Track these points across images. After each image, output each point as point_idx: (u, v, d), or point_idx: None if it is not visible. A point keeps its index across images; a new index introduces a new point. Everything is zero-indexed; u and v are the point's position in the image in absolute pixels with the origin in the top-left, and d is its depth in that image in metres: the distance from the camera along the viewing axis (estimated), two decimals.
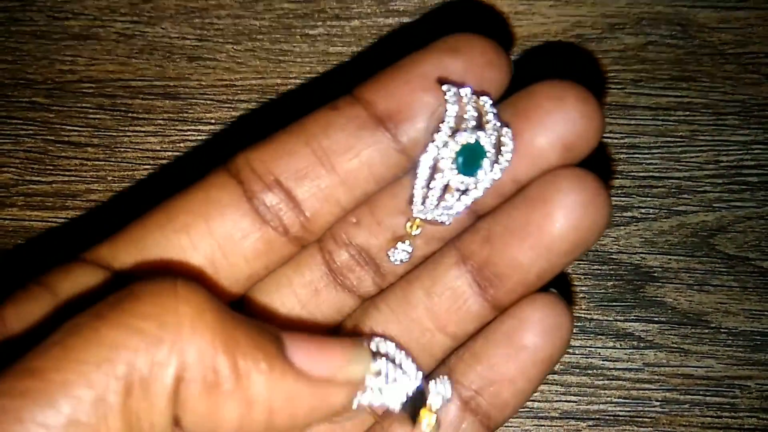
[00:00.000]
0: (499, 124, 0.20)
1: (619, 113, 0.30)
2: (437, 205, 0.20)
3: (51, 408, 0.14)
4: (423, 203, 0.20)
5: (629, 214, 0.30)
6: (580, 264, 0.30)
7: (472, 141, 0.20)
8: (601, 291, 0.30)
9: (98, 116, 0.30)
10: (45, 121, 0.30)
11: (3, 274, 0.29)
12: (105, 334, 0.15)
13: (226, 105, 0.30)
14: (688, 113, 0.30)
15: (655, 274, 0.30)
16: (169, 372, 0.15)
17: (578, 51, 0.31)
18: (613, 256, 0.30)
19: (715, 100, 0.30)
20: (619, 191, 0.30)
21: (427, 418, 0.20)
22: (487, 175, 0.20)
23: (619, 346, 0.30)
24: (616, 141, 0.30)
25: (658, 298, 0.30)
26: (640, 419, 0.30)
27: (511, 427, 0.30)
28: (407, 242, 0.21)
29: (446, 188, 0.20)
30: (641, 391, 0.30)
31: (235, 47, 0.30)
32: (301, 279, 0.22)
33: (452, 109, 0.20)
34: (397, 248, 0.21)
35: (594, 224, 0.20)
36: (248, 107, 0.30)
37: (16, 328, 0.18)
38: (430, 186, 0.20)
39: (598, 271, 0.30)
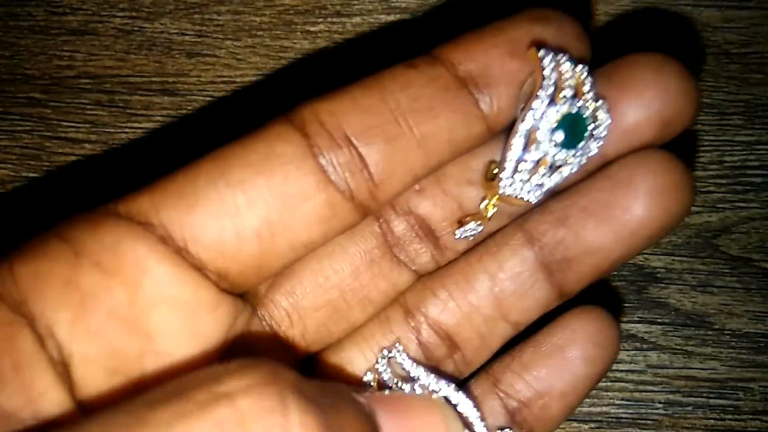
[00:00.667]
0: (595, 95, 0.18)
1: None
2: (527, 180, 0.19)
3: None
4: (513, 176, 0.19)
5: None
6: None
7: (574, 111, 0.18)
8: (604, 292, 0.30)
9: (96, 112, 0.30)
10: (42, 117, 0.30)
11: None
12: None
13: (226, 102, 0.30)
14: None
15: (659, 275, 0.30)
16: None
17: None
18: None
19: (719, 100, 0.30)
20: None
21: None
22: (585, 150, 0.18)
23: (621, 348, 0.29)
24: None
25: (662, 300, 0.30)
26: (643, 421, 0.29)
27: None
28: (479, 222, 0.19)
29: (539, 162, 0.18)
30: (644, 393, 0.29)
31: (234, 43, 0.30)
32: (356, 247, 0.20)
33: (551, 76, 0.18)
34: (465, 227, 0.20)
35: (680, 209, 0.19)
36: (248, 104, 0.30)
37: (30, 292, 0.16)
38: (524, 158, 0.18)
39: None
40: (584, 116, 0.18)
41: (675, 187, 0.19)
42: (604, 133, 0.18)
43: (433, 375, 0.19)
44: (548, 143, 0.18)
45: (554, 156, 0.18)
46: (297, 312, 0.20)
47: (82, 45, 0.30)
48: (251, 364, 0.14)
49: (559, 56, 0.18)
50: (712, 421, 0.29)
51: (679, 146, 0.30)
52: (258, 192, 0.17)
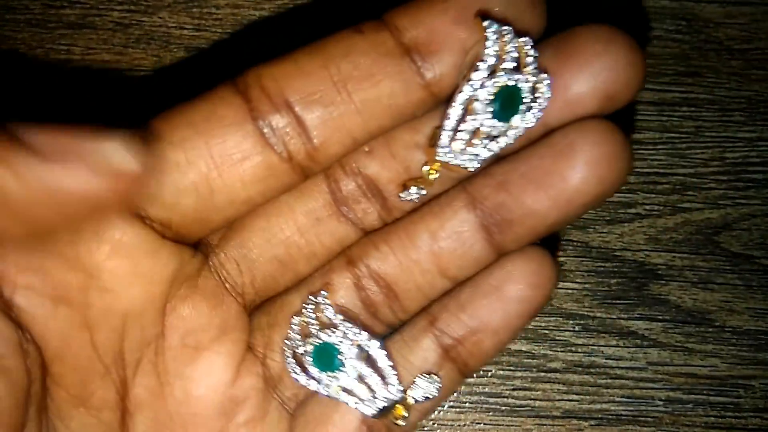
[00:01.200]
0: (537, 68, 0.18)
1: (623, 108, 0.30)
2: (464, 149, 0.19)
3: None
4: (450, 144, 0.19)
5: (633, 210, 0.30)
6: (583, 261, 0.30)
7: (511, 84, 0.18)
8: (605, 289, 0.30)
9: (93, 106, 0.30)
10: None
11: None
12: None
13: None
14: (693, 109, 0.30)
15: (659, 272, 0.30)
16: None
17: None
18: (617, 254, 0.30)
19: (720, 96, 0.30)
20: (623, 187, 0.30)
21: (402, 413, 0.21)
22: (522, 122, 0.19)
23: (622, 345, 0.29)
24: None
25: (662, 296, 0.30)
26: (643, 419, 0.29)
27: (512, 426, 0.29)
28: (421, 187, 0.20)
29: (476, 132, 0.19)
30: (644, 391, 0.29)
31: (233, 38, 0.30)
32: (303, 206, 0.21)
33: (492, 47, 0.18)
34: (410, 189, 0.20)
35: (616, 178, 0.19)
36: None
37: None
38: (460, 128, 0.19)
39: (602, 269, 0.30)
40: (522, 90, 0.18)
41: (612, 157, 0.19)
42: (543, 105, 0.19)
43: (351, 325, 0.20)
44: (485, 114, 0.18)
45: (491, 126, 0.19)
46: (246, 264, 0.21)
47: (80, 39, 0.30)
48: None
49: (504, 28, 0.18)
50: (712, 418, 0.29)
51: (682, 142, 0.30)
52: (197, 152, 0.18)
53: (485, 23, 0.18)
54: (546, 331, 0.29)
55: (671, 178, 0.30)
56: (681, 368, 0.29)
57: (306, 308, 0.21)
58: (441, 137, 0.19)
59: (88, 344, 0.19)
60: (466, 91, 0.18)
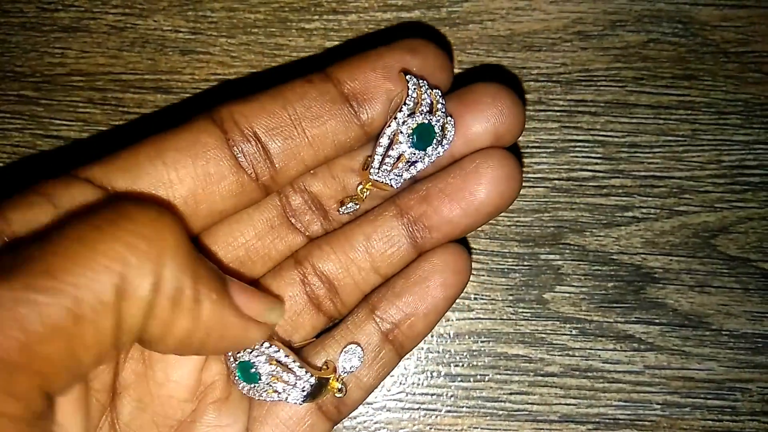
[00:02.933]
0: (445, 112, 0.24)
1: (620, 111, 0.30)
2: (390, 170, 0.24)
3: (58, 304, 0.17)
4: (379, 167, 0.24)
5: (630, 214, 0.30)
6: (580, 265, 0.30)
7: (426, 122, 0.24)
8: (602, 292, 0.29)
9: (88, 110, 0.29)
10: (33, 114, 0.29)
11: None
12: (108, 246, 0.18)
13: (220, 100, 0.29)
14: (689, 112, 0.30)
15: (656, 275, 0.30)
16: (149, 283, 0.19)
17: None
18: (614, 257, 0.30)
19: (717, 99, 0.30)
20: (620, 191, 0.30)
21: (336, 385, 0.25)
22: (434, 151, 0.24)
23: (619, 349, 0.29)
24: (617, 140, 0.30)
25: (659, 300, 0.30)
26: (641, 422, 0.29)
27: (509, 430, 0.29)
28: (356, 201, 0.25)
29: (399, 158, 0.24)
30: (642, 394, 0.29)
31: (229, 41, 0.30)
32: (260, 216, 0.25)
33: (412, 95, 0.23)
34: (347, 204, 0.25)
35: (512, 194, 0.25)
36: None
37: (20, 232, 0.20)
38: (387, 154, 0.24)
39: (599, 272, 0.30)
40: (434, 127, 0.24)
41: (509, 176, 0.24)
42: (450, 139, 0.24)
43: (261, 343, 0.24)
44: (406, 144, 0.24)
45: (410, 154, 0.24)
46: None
47: (74, 42, 0.30)
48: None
49: (421, 81, 0.24)
50: (709, 422, 0.29)
51: (678, 145, 0.30)
52: (186, 171, 0.22)
53: (407, 77, 0.23)
54: (543, 335, 0.29)
55: (668, 182, 0.30)
56: (678, 372, 0.29)
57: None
58: (373, 161, 0.24)
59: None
60: (392, 126, 0.24)
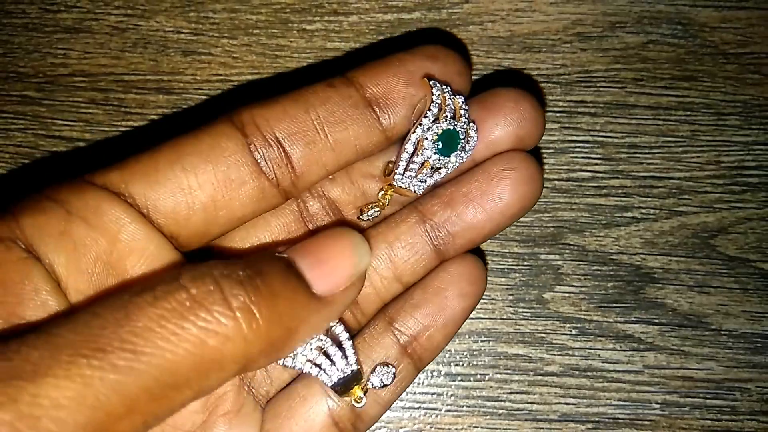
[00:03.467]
0: (468, 117, 0.24)
1: (620, 112, 0.30)
2: (415, 176, 0.24)
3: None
4: (403, 173, 0.24)
5: (630, 214, 0.30)
6: (580, 265, 0.30)
7: (451, 128, 0.24)
8: (601, 292, 0.30)
9: (90, 111, 0.30)
10: (36, 115, 0.30)
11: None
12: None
13: (222, 100, 0.30)
14: (689, 113, 0.30)
15: (656, 276, 0.30)
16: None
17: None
18: (614, 257, 0.30)
19: (716, 100, 0.30)
20: (620, 191, 0.30)
21: (359, 393, 0.24)
22: (458, 158, 0.24)
23: (618, 348, 0.30)
24: (616, 140, 0.30)
25: (659, 300, 0.30)
26: (640, 422, 0.29)
27: (509, 429, 0.29)
28: (378, 207, 0.25)
29: (423, 164, 0.24)
30: (641, 394, 0.29)
31: (230, 42, 0.30)
32: (277, 221, 0.25)
33: (437, 101, 0.23)
34: (368, 211, 0.25)
35: (534, 196, 0.25)
36: (244, 103, 0.30)
37: (34, 238, 0.20)
38: (412, 160, 0.24)
39: (598, 272, 0.30)
40: (458, 133, 0.24)
41: (531, 179, 0.24)
42: (474, 145, 0.24)
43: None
44: (431, 150, 0.24)
45: (435, 160, 0.24)
46: None
47: (77, 43, 0.30)
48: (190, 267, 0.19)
49: (444, 87, 0.24)
50: (709, 421, 0.29)
51: (678, 146, 0.30)
52: (206, 177, 0.22)
53: (431, 83, 0.23)
54: (543, 335, 0.30)
55: (667, 182, 0.30)
56: (677, 371, 0.29)
57: None
58: (397, 167, 0.24)
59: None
60: (417, 133, 0.24)
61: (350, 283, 0.21)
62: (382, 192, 0.25)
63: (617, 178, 0.30)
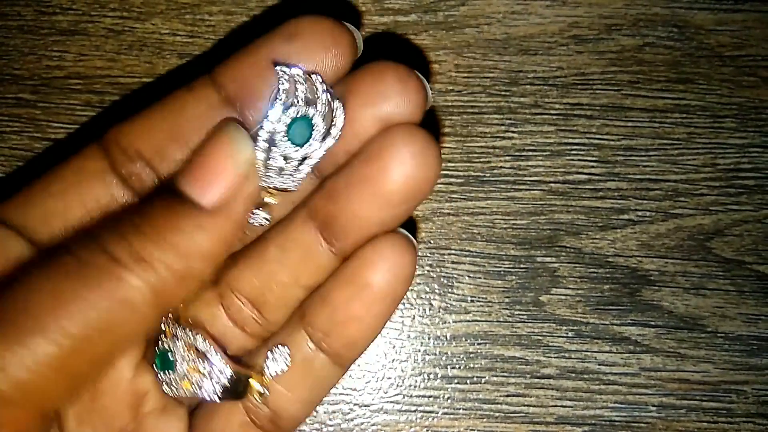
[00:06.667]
0: (329, 98, 0.21)
1: (616, 115, 0.30)
2: (280, 173, 0.22)
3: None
4: (267, 173, 0.22)
5: (626, 216, 0.30)
6: (576, 267, 0.30)
7: (300, 115, 0.21)
8: (597, 294, 0.30)
9: (86, 113, 0.30)
10: (31, 117, 0.29)
11: None
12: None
13: None
14: (685, 116, 0.30)
15: (652, 278, 0.30)
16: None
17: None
18: (610, 260, 0.30)
19: (712, 103, 0.30)
20: (616, 193, 0.30)
21: (257, 387, 0.22)
22: (321, 144, 0.21)
23: (615, 351, 0.30)
24: (612, 143, 0.30)
25: (655, 302, 0.30)
26: (636, 424, 0.29)
27: None
28: (265, 211, 0.23)
29: (286, 158, 0.21)
30: (637, 396, 0.29)
31: (226, 44, 0.30)
32: None
33: (283, 88, 0.21)
34: (256, 214, 0.22)
35: (427, 174, 0.21)
36: None
37: None
38: (270, 157, 0.21)
39: (594, 275, 0.30)
40: (309, 117, 0.21)
41: (419, 154, 0.21)
42: (340, 127, 0.21)
43: (181, 327, 0.23)
44: (282, 143, 0.21)
45: (294, 152, 0.21)
46: None
47: (72, 45, 0.30)
48: None
49: (293, 69, 0.21)
50: (705, 424, 0.29)
51: (674, 149, 0.30)
52: (72, 199, 0.22)
53: (276, 69, 0.21)
54: (539, 338, 0.30)
55: (663, 185, 0.30)
56: (674, 374, 0.29)
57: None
58: (258, 167, 0.21)
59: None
60: (265, 127, 0.21)
61: (238, 180, 0.20)
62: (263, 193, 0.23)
63: (613, 180, 0.30)
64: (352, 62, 0.22)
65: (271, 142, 0.21)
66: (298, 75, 0.21)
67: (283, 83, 0.21)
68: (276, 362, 0.23)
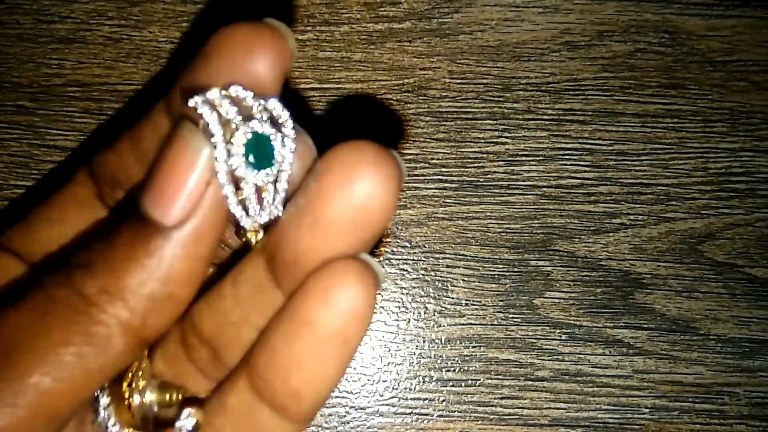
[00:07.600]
0: (262, 102, 0.18)
1: (608, 120, 0.30)
2: (261, 206, 0.18)
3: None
4: (248, 214, 0.18)
5: (618, 220, 0.30)
6: (569, 270, 0.30)
7: (252, 134, 0.18)
8: (590, 297, 0.30)
9: (84, 120, 0.30)
10: (30, 125, 0.30)
11: None
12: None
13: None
14: (676, 120, 0.31)
15: (644, 281, 0.30)
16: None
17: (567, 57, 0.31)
18: (602, 263, 0.30)
19: (703, 108, 0.31)
20: (608, 198, 0.30)
21: (253, 237, 0.19)
22: (284, 153, 0.18)
23: (608, 353, 0.30)
24: (604, 148, 0.30)
25: (647, 305, 0.30)
26: (630, 426, 0.30)
27: None
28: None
29: (258, 188, 0.18)
30: (630, 398, 0.30)
31: None
32: None
33: (213, 117, 0.17)
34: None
35: (381, 206, 0.17)
36: None
37: None
38: (243, 195, 0.18)
39: (587, 278, 0.30)
40: (260, 132, 0.18)
41: (377, 182, 0.17)
42: (290, 127, 0.18)
43: None
44: (248, 172, 0.18)
45: (265, 176, 0.18)
46: None
47: (71, 53, 0.30)
48: None
49: (209, 94, 0.17)
50: (698, 425, 0.30)
51: (665, 153, 0.30)
52: (70, 222, 0.22)
53: (191, 103, 0.17)
54: (533, 340, 0.30)
55: (655, 189, 0.30)
56: (666, 376, 0.30)
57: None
58: (234, 214, 0.18)
59: None
60: (221, 167, 0.17)
61: (200, 188, 0.17)
62: (253, 240, 0.19)
63: (606, 184, 0.30)
64: (287, 64, 0.18)
65: (237, 180, 0.18)
66: (217, 97, 0.17)
67: (208, 113, 0.17)
68: (185, 426, 0.19)
